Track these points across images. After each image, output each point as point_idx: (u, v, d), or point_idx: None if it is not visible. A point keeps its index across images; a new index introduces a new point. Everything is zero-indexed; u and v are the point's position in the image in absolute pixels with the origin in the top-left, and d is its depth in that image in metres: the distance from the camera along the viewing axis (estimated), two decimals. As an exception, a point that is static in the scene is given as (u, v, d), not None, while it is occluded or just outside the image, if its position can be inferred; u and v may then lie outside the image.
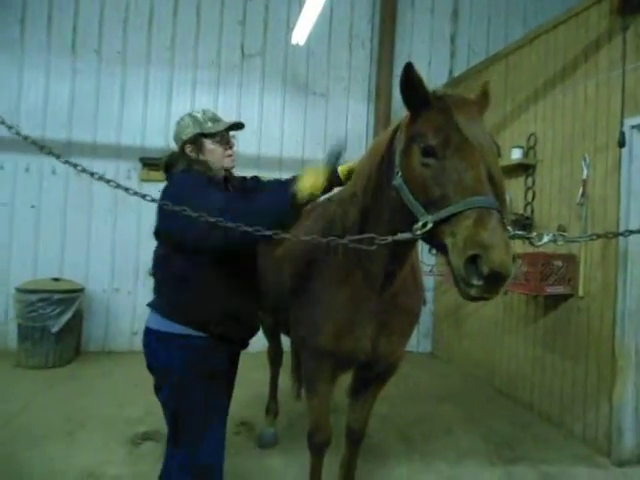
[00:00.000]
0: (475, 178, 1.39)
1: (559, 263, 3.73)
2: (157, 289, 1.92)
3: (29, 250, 5.35)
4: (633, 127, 3.35)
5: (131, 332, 5.47)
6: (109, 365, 4.98)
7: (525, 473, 3.14)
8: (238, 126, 2.05)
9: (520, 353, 4.41)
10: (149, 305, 1.91)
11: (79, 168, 1.52)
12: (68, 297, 4.89)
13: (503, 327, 4.68)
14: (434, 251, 1.60)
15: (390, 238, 1.55)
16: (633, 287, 3.35)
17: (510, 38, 6.07)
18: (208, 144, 1.96)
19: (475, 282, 1.28)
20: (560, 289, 3.75)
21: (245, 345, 2.06)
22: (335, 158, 1.83)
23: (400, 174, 1.60)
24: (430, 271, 5.31)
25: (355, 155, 2.10)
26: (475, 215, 1.32)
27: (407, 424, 3.81)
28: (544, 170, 4.27)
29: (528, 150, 4.42)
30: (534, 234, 1.60)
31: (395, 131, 1.76)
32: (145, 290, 5.34)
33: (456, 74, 6.16)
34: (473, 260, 1.28)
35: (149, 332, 1.87)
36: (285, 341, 3.16)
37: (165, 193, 1.79)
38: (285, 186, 1.75)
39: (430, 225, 1.42)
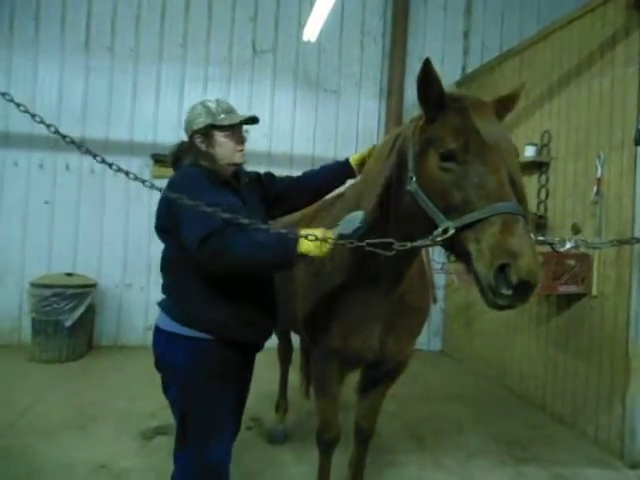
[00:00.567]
0: (498, 183, 1.36)
1: (572, 262, 3.68)
2: (166, 289, 1.90)
3: (43, 245, 5.41)
4: (649, 124, 3.30)
5: (144, 327, 5.52)
6: (121, 360, 5.03)
7: (536, 473, 3.12)
8: (252, 120, 1.95)
9: (532, 353, 4.37)
10: (159, 305, 1.90)
11: (114, 167, 1.51)
12: (81, 292, 4.95)
13: (515, 326, 4.64)
14: (452, 257, 1.54)
15: (409, 244, 1.52)
16: (648, 287, 3.31)
17: (524, 34, 5.99)
18: (219, 136, 1.87)
19: (504, 292, 1.25)
20: (573, 288, 3.71)
21: (258, 349, 2.03)
22: (351, 235, 1.63)
23: (415, 179, 1.56)
24: (441, 269, 5.28)
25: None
26: (501, 222, 1.29)
27: (417, 422, 3.80)
28: (558, 168, 4.21)
29: (542, 147, 4.37)
30: (557, 239, 1.58)
31: (404, 132, 1.73)
32: (157, 286, 5.30)
33: (469, 71, 6.09)
34: (501, 269, 1.25)
35: (159, 331, 1.85)
36: (295, 339, 3.17)
37: (167, 190, 1.69)
38: (286, 242, 1.59)
39: (452, 231, 1.39)
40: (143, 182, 1.52)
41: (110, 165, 1.52)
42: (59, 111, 5.43)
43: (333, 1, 4.43)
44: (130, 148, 5.59)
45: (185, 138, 1.97)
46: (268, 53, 5.93)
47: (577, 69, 4.05)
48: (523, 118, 4.64)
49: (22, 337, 5.26)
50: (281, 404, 3.53)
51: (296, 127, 5.99)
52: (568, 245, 1.57)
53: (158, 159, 5.46)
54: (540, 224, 4.21)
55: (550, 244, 1.59)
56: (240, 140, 1.92)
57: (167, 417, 3.40)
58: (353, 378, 2.45)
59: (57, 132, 1.37)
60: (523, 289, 1.24)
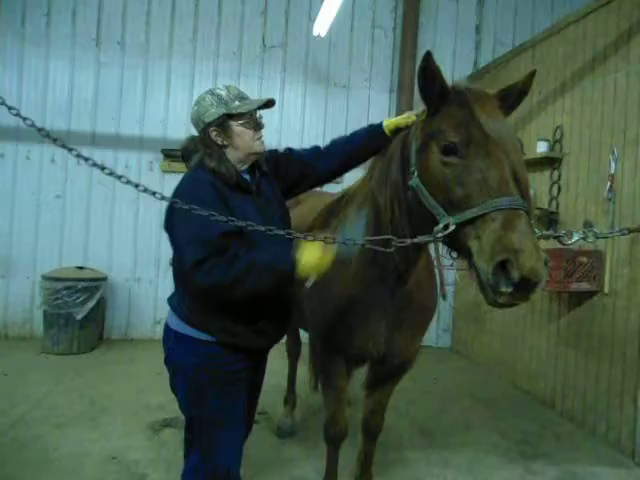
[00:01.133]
0: (500, 178, 1.33)
1: (584, 259, 3.64)
2: (176, 287, 1.83)
3: (55, 239, 5.47)
4: (665, 120, 3.24)
5: (154, 321, 5.56)
6: (132, 352, 5.08)
7: (546, 471, 3.10)
8: (268, 104, 1.80)
9: (542, 350, 4.34)
10: (168, 302, 1.84)
11: (123, 179, 1.48)
12: (92, 285, 4.99)
13: (525, 323, 4.60)
14: (454, 254, 1.52)
15: (409, 240, 1.50)
16: (662, 285, 3.26)
17: (537, 28, 5.91)
18: (235, 126, 1.72)
19: (504, 289, 1.23)
20: (585, 286, 3.66)
21: (268, 350, 1.98)
22: (348, 254, 1.65)
23: (417, 174, 1.54)
24: (451, 265, 5.25)
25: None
26: (502, 217, 1.27)
27: (425, 419, 3.79)
28: (570, 164, 4.16)
29: (554, 143, 4.31)
30: (563, 232, 1.53)
31: (409, 130, 1.72)
32: (166, 281, 5.42)
33: (481, 65, 6.03)
34: (502, 266, 1.22)
35: (168, 330, 1.80)
36: (303, 333, 3.17)
37: (172, 197, 1.63)
38: (283, 257, 1.57)
39: (452, 227, 1.36)
40: (153, 194, 1.47)
41: (119, 177, 1.50)
42: (70, 106, 5.47)
43: (344, -6, 4.40)
44: (140, 143, 5.61)
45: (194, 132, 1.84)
46: (278, 48, 5.91)
47: (591, 64, 3.99)
48: (535, 113, 4.58)
49: (34, 329, 5.33)
50: (290, 398, 3.54)
51: (306, 122, 5.98)
52: (576, 237, 1.52)
53: (168, 154, 5.48)
54: (552, 220, 4.17)
55: (556, 237, 1.55)
56: (258, 127, 1.78)
57: (175, 410, 3.40)
58: (361, 374, 2.45)
59: (48, 135, 1.35)
60: (524, 286, 1.21)
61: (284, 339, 3.55)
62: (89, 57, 5.52)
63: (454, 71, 6.02)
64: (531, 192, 1.54)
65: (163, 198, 1.50)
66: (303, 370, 3.71)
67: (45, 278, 4.96)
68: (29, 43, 5.39)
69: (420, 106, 1.71)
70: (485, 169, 1.35)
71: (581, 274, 3.64)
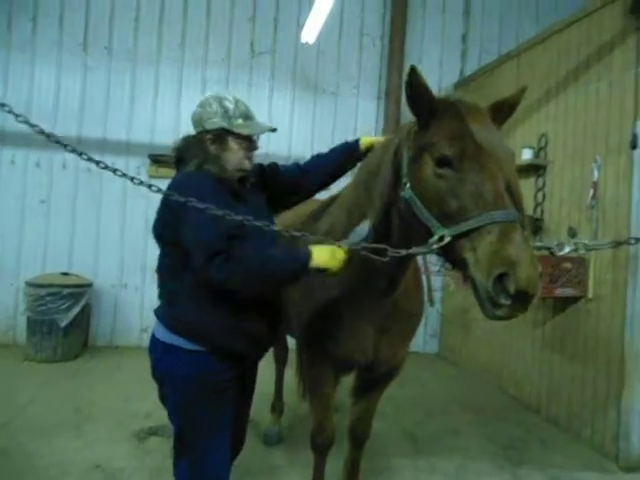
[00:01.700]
0: (495, 190, 1.34)
1: (569, 265, 3.69)
2: (162, 297, 1.81)
3: (39, 244, 5.40)
4: (646, 129, 3.31)
5: (139, 328, 5.50)
6: (117, 360, 5.01)
7: (532, 476, 3.12)
8: (271, 131, 1.86)
9: (528, 355, 4.38)
10: (155, 313, 1.82)
11: (118, 172, 1.45)
12: (77, 292, 4.93)
13: (511, 329, 4.64)
14: (449, 265, 1.51)
15: (404, 251, 1.51)
16: (644, 290, 3.31)
17: (522, 37, 6.01)
18: (231, 142, 1.75)
19: (503, 301, 1.23)
20: (570, 291, 3.71)
21: (259, 359, 1.97)
22: (358, 239, 1.69)
23: (409, 185, 1.54)
24: (438, 271, 5.28)
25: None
26: (498, 230, 1.27)
27: (413, 425, 3.80)
28: (555, 171, 4.23)
29: (539, 151, 4.38)
30: (555, 243, 1.55)
31: (399, 139, 1.71)
32: (153, 287, 5.30)
33: (467, 74, 6.11)
34: (499, 278, 1.23)
35: (155, 341, 1.77)
36: (290, 340, 3.16)
37: (166, 197, 1.62)
38: (298, 257, 1.62)
39: (448, 239, 1.36)
40: (149, 187, 1.45)
41: (114, 170, 1.47)
42: (56, 111, 5.42)
43: (332, 3, 4.44)
44: (127, 148, 5.58)
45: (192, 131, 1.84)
46: (266, 54, 5.93)
47: (574, 73, 4.06)
48: (520, 121, 4.64)
49: (17, 336, 5.24)
50: (277, 405, 3.52)
51: (294, 128, 6.00)
52: (567, 249, 1.55)
53: (156, 159, 5.45)
54: (537, 227, 4.22)
55: (548, 249, 1.57)
56: (253, 148, 1.82)
57: (161, 418, 3.39)
58: (348, 380, 2.45)
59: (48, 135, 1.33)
60: (522, 299, 1.21)
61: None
62: (76, 61, 5.49)
63: (441, 79, 6.11)
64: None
65: (173, 196, 1.49)
66: (290, 377, 3.69)
67: (29, 284, 4.89)
68: (15, 48, 5.34)
69: (408, 114, 1.72)
70: (480, 182, 1.35)
71: (566, 280, 3.69)
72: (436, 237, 1.40)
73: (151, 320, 1.88)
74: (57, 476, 2.76)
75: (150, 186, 1.46)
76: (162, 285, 1.81)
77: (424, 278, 2.34)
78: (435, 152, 1.44)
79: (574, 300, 3.80)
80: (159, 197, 1.65)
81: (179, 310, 1.71)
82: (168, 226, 1.70)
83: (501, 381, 4.73)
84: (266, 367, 3.76)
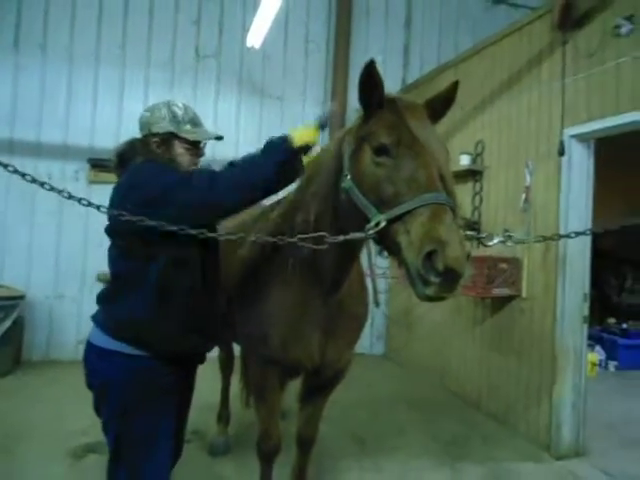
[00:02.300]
0: (427, 175, 1.40)
1: (504, 266, 3.87)
2: (101, 301, 1.77)
3: (-34, 255, 5.04)
4: (572, 136, 3.53)
5: (77, 341, 5.21)
6: (52, 375, 4.74)
7: (472, 470, 3.23)
8: (218, 139, 1.90)
9: (468, 354, 4.54)
10: (92, 318, 1.77)
11: (47, 186, 1.42)
12: (7, 304, 4.63)
13: (452, 329, 4.80)
14: (385, 254, 1.57)
15: (341, 237, 1.53)
16: (572, 289, 3.53)
17: (460, 47, 6.28)
18: (178, 147, 1.78)
19: (433, 279, 1.27)
20: (505, 291, 3.89)
21: (199, 363, 1.95)
22: (325, 120, 1.80)
23: (349, 177, 1.59)
24: (383, 273, 5.38)
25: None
26: (429, 212, 1.33)
27: (358, 426, 3.84)
28: (491, 176, 4.43)
29: (476, 157, 4.57)
30: (484, 234, 1.63)
31: (343, 137, 1.76)
32: (91, 297, 5.04)
33: (409, 82, 6.29)
34: (429, 257, 1.26)
35: (90, 347, 1.72)
36: (236, 347, 3.12)
37: (126, 183, 1.65)
38: (275, 140, 1.71)
39: (383, 224, 1.41)
40: (79, 201, 1.45)
41: (42, 184, 1.43)
42: (-17, 111, 5.10)
43: (277, 8, 4.44)
44: (64, 152, 5.33)
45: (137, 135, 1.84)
46: (212, 58, 5.86)
47: (508, 83, 4.28)
48: (458, 128, 4.84)
49: (-59, 354, 4.86)
50: (223, 415, 3.45)
51: (240, 133, 5.94)
52: (496, 240, 1.63)
53: (96, 164, 5.24)
54: (475, 229, 4.39)
55: (478, 239, 1.64)
56: (199, 154, 1.85)
57: (98, 434, 3.21)
58: (295, 386, 2.44)
59: None
60: (450, 277, 1.25)
61: (216, 353, 3.49)
62: (6, 60, 5.18)
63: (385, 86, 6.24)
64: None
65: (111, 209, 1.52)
66: (236, 386, 3.64)
67: (-46, 297, 4.55)
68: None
69: (352, 119, 1.78)
70: (414, 168, 1.42)
71: (502, 280, 3.86)
72: (372, 223, 1.44)
73: (89, 331, 1.79)
74: (-17, 503, 2.58)
75: (83, 201, 1.47)
76: (113, 283, 1.76)
77: (369, 280, 2.37)
78: (374, 141, 1.51)
79: (509, 299, 3.99)
80: (99, 203, 1.59)
81: (119, 311, 1.68)
82: (144, 200, 1.62)
83: (444, 379, 4.88)
84: (211, 376, 3.71)
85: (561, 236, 1.84)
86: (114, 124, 5.44)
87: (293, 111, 6.12)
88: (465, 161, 4.49)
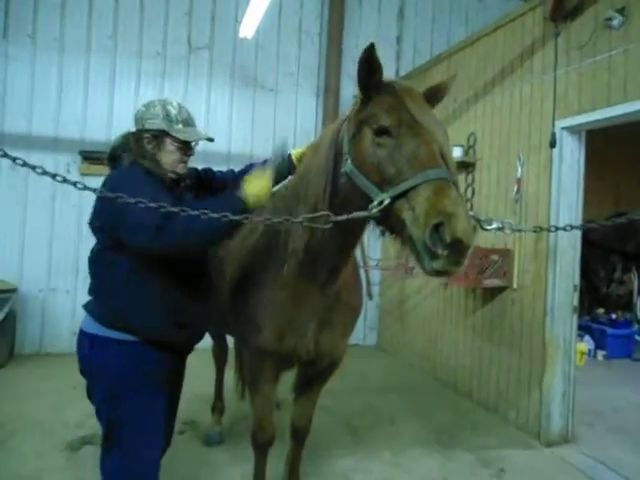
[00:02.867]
0: (429, 153, 1.42)
1: (495, 257, 3.91)
2: (93, 290, 1.82)
3: (-43, 248, 5.00)
4: (563, 128, 3.56)
5: (71, 333, 5.19)
6: (46, 368, 4.74)
7: (463, 458, 3.29)
8: (209, 140, 1.97)
9: (460, 344, 4.60)
10: (84, 307, 1.83)
11: (38, 170, 1.35)
12: (0, 298, 4.61)
13: (444, 319, 4.85)
14: (387, 235, 1.57)
15: (345, 216, 1.52)
16: (562, 280, 3.57)
17: (453, 39, 6.27)
18: (169, 145, 1.83)
19: (440, 252, 1.27)
20: (496, 282, 3.94)
21: (189, 351, 2.00)
22: (280, 158, 1.83)
23: (350, 160, 1.60)
24: (376, 265, 5.42)
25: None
26: (433, 186, 1.34)
27: (352, 416, 3.89)
28: (483, 168, 4.45)
29: (468, 149, 4.59)
30: (483, 218, 1.62)
31: (341, 124, 1.77)
32: (85, 289, 5.05)
33: (402, 74, 6.28)
34: (436, 229, 1.27)
35: (83, 335, 1.78)
36: (230, 339, 3.14)
37: (104, 188, 1.66)
38: (233, 196, 1.68)
39: (387, 201, 1.41)
40: (74, 184, 1.39)
41: (34, 167, 1.37)
42: (-27, 102, 5.04)
43: (269, -2, 4.40)
44: (55, 144, 5.27)
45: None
46: (204, 49, 5.81)
47: (500, 75, 4.29)
48: (451, 120, 4.85)
49: None
50: (217, 405, 3.48)
51: (233, 125, 5.91)
52: (494, 224, 1.64)
53: (87, 156, 5.20)
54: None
55: (478, 221, 1.65)
56: (189, 153, 1.90)
57: (94, 425, 3.24)
58: (290, 376, 2.47)
59: None
60: (457, 249, 1.26)
61: (210, 345, 3.51)
62: (-6, 50, 5.12)
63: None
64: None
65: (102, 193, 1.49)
66: (231, 377, 3.67)
67: (-55, 291, 4.53)
68: None
69: (345, 110, 1.78)
70: (415, 146, 1.44)
71: (493, 271, 3.91)
72: (376, 202, 1.45)
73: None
74: (-20, 495, 2.60)
75: (75, 183, 1.40)
76: (94, 277, 1.82)
77: (363, 272, 2.39)
78: (374, 123, 1.53)
79: (500, 290, 4.04)
80: (92, 195, 1.58)
81: (109, 300, 1.74)
82: (108, 213, 1.69)
83: (436, 369, 4.94)
84: (205, 368, 3.74)
85: (557, 228, 1.86)
86: (105, 116, 5.41)
87: (286, 103, 6.10)
88: (457, 153, 4.50)
